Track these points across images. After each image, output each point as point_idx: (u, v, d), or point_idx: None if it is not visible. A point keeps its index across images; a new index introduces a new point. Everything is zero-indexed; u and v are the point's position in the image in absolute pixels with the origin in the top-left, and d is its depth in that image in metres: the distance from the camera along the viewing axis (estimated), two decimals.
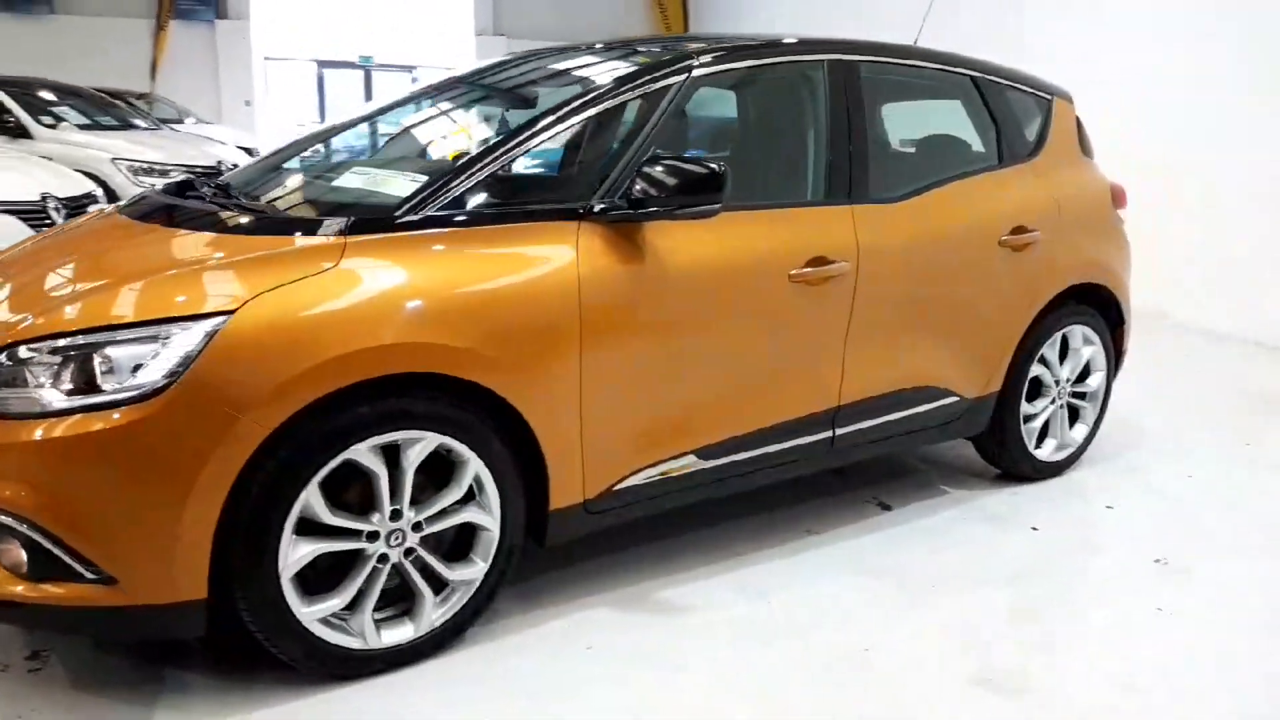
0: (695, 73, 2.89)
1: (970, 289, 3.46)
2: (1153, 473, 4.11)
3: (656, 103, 2.79)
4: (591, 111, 2.74)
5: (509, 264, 2.48)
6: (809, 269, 2.97)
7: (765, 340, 2.95)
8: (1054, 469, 4.00)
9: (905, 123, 3.76)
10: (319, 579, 2.38)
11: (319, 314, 2.22)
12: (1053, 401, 3.92)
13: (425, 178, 2.57)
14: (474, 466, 2.47)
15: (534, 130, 2.65)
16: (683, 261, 2.74)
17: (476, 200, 2.54)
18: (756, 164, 3.29)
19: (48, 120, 8.70)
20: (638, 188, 2.57)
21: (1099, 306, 3.97)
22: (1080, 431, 4.06)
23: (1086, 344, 3.94)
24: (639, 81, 2.81)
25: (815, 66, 3.19)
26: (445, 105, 3.35)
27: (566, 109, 2.71)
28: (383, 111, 3.38)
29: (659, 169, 2.55)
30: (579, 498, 2.66)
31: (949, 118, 3.69)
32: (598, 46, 3.31)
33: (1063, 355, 3.91)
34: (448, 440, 2.41)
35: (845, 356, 3.14)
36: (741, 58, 3.05)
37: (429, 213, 2.44)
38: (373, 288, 2.30)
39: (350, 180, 2.78)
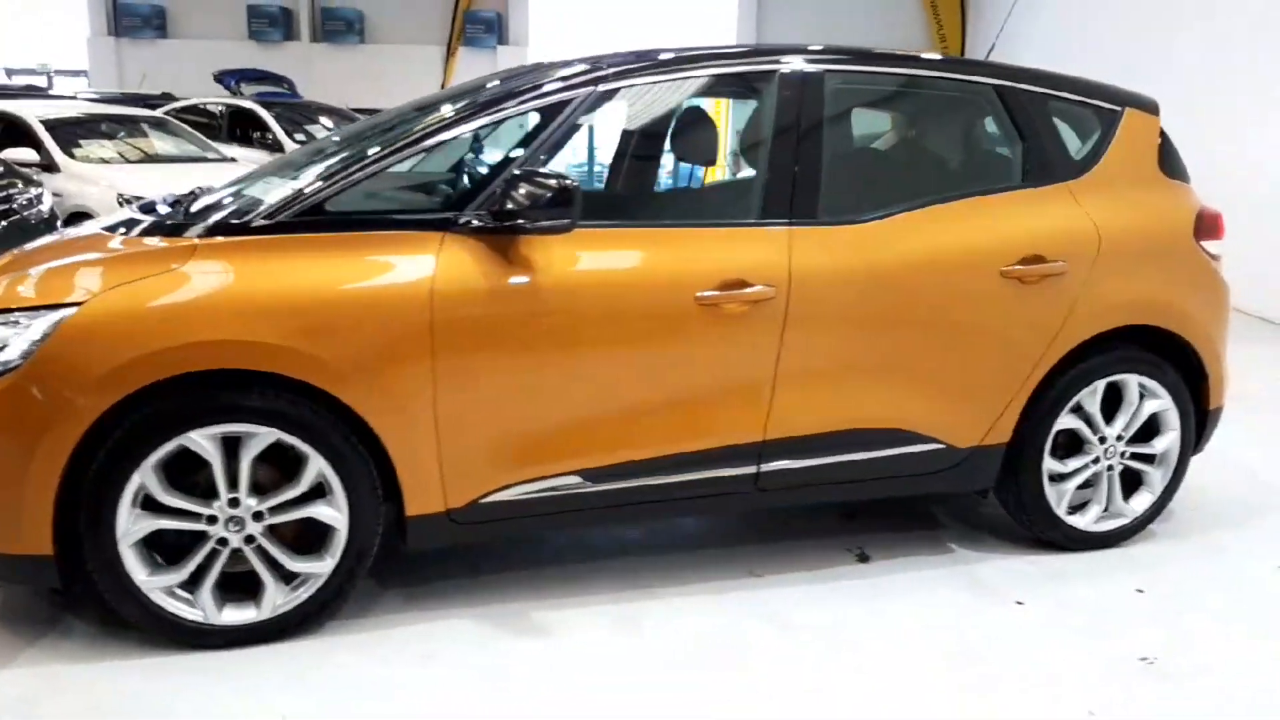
0: (600, 87, 2.82)
1: (956, 324, 3.10)
2: (1231, 558, 3.45)
3: (551, 117, 2.76)
4: (474, 125, 2.76)
5: (356, 270, 2.56)
6: (720, 292, 2.79)
7: (665, 364, 2.81)
8: (1099, 540, 3.47)
9: (916, 137, 3.43)
10: (173, 553, 2.57)
11: (152, 309, 2.41)
12: (1095, 461, 3.39)
13: (295, 186, 2.70)
14: (317, 464, 2.55)
15: (399, 142, 2.70)
16: (565, 277, 2.69)
17: (341, 207, 2.63)
18: (671, 180, 3.14)
19: (300, 136, 9.83)
20: (499, 201, 2.56)
21: (1171, 356, 3.40)
22: (1142, 501, 3.50)
23: (1149, 398, 3.38)
24: (532, 96, 2.79)
25: (762, 78, 3.00)
26: (397, 120, 3.42)
27: (443, 122, 2.74)
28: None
29: (515, 183, 2.53)
30: (440, 507, 2.68)
31: (959, 131, 3.32)
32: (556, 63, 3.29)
33: (1116, 408, 3.37)
34: (286, 437, 2.51)
35: (775, 388, 2.92)
36: (661, 71, 2.94)
37: (284, 219, 2.56)
38: (205, 288, 2.46)
39: (258, 189, 2.96)
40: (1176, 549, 3.49)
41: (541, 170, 2.54)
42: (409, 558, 3.11)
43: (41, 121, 7.52)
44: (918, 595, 3.11)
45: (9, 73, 18.56)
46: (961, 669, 2.71)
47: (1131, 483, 3.50)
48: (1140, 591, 3.19)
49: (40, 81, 18.36)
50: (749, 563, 3.27)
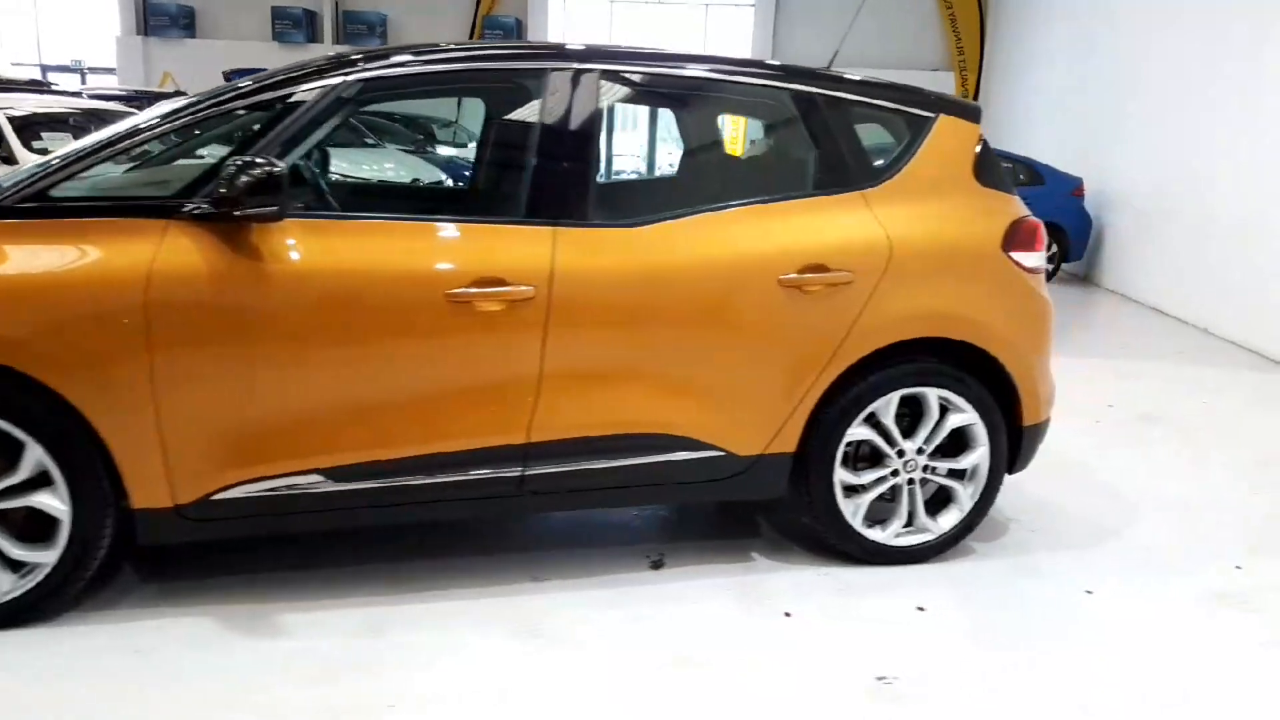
0: (351, 76, 2.82)
1: (732, 331, 3.05)
2: (1040, 579, 3.36)
3: (294, 109, 2.77)
4: (214, 113, 2.78)
5: (73, 257, 2.58)
6: (474, 290, 2.78)
7: (414, 361, 2.79)
8: (901, 555, 3.39)
9: (701, 140, 3.39)
10: None
11: None
12: (894, 474, 3.32)
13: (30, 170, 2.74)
14: (35, 453, 2.59)
15: (133, 130, 2.73)
16: (300, 269, 2.69)
17: (67, 194, 2.66)
18: (433, 175, 3.14)
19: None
20: (215, 188, 2.58)
21: (978, 370, 3.31)
22: (950, 517, 3.41)
23: (953, 412, 3.30)
24: (278, 86, 2.80)
25: (533, 75, 2.98)
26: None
27: (185, 112, 2.77)
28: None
29: (229, 170, 2.54)
30: (168, 502, 2.70)
31: (748, 135, 3.28)
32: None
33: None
34: (1, 424, 2.55)
35: (540, 390, 2.90)
36: (422, 65, 2.93)
37: (8, 204, 2.60)
38: None
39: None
40: (984, 567, 3.40)
41: (253, 157, 2.54)
42: (198, 551, 3.15)
43: (8, 117, 7.75)
44: (688, 604, 3.07)
45: (44, 69, 19.14)
46: (679, 677, 2.66)
47: (946, 498, 3.41)
48: (921, 609, 3.11)
49: (74, 78, 18.88)
50: (534, 568, 3.24)
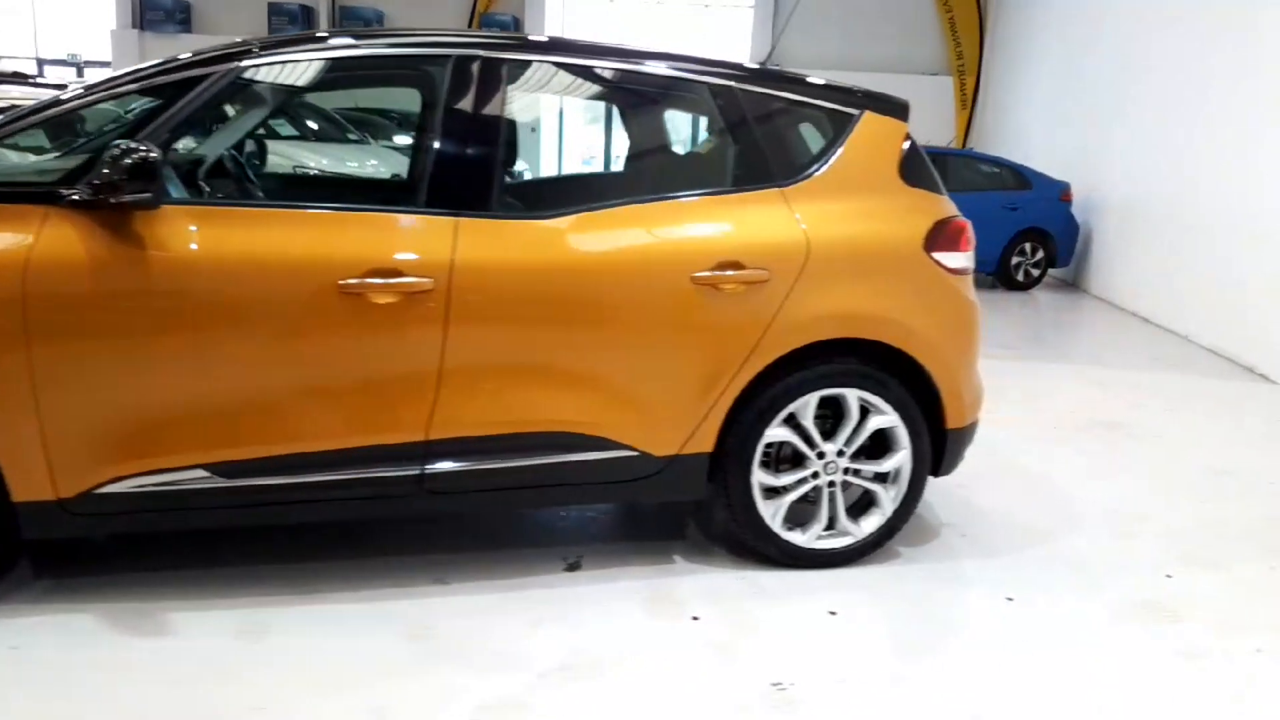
0: (240, 63, 2.77)
1: (643, 329, 2.99)
2: (963, 585, 3.29)
3: (180, 95, 2.72)
4: (106, 98, 2.73)
5: None
6: (368, 280, 2.73)
7: (303, 354, 2.74)
8: (822, 559, 3.33)
9: (616, 133, 3.32)
10: None
11: None
12: (814, 476, 3.26)
13: None
14: None
15: (21, 114, 2.69)
16: (184, 259, 2.64)
17: None
18: (331, 163, 3.08)
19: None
20: (97, 176, 2.53)
21: (900, 373, 3.25)
22: (873, 521, 3.35)
23: (875, 414, 3.24)
24: (166, 72, 2.76)
25: (437, 62, 2.93)
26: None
27: (77, 97, 2.72)
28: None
29: (109, 157, 2.49)
30: (50, 495, 2.65)
31: (665, 129, 3.22)
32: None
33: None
34: None
35: (440, 386, 2.84)
36: (316, 52, 2.88)
37: None
38: None
39: None
40: (907, 572, 3.33)
41: (130, 143, 2.49)
42: (101, 546, 3.12)
43: None
44: (593, 607, 3.01)
45: (40, 63, 19.17)
46: (562, 685, 2.60)
47: (871, 502, 3.35)
48: (833, 614, 3.04)
49: (70, 72, 18.91)
50: (441, 570, 3.19)
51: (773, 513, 3.24)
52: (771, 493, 3.26)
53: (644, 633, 2.87)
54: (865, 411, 3.24)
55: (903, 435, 3.26)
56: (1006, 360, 6.71)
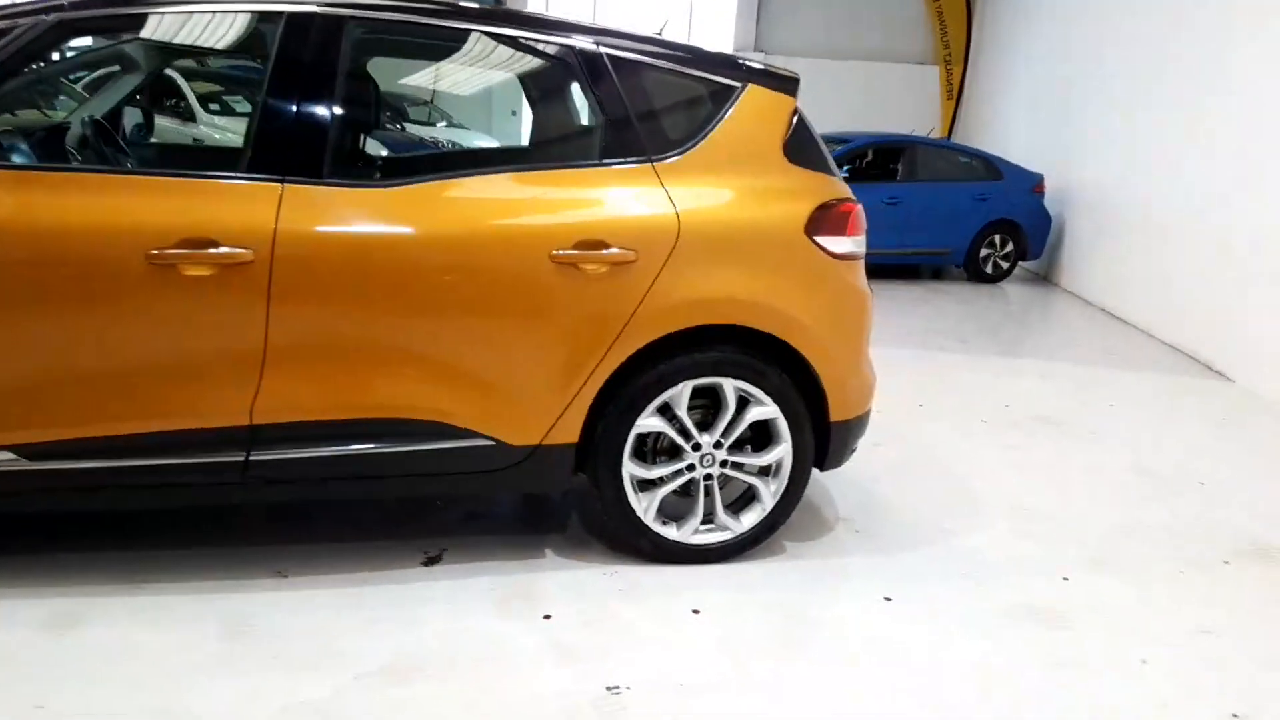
0: (49, 18, 2.60)
1: (495, 310, 2.82)
2: (841, 583, 3.13)
3: None
4: None
5: None
6: (179, 250, 2.55)
7: (111, 329, 2.56)
8: (697, 554, 3.18)
9: (470, 100, 3.15)
10: None
11: None
12: (690, 469, 3.10)
13: None
14: None
15: None
16: None
17: None
18: (142, 126, 2.91)
19: (215, 107, 9.78)
20: None
21: (782, 362, 3.09)
22: (752, 516, 3.19)
23: (754, 405, 3.08)
24: None
25: (266, 19, 2.75)
26: None
27: None
28: None
29: None
30: None
31: (526, 97, 3.04)
32: None
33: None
34: None
35: (265, 366, 2.68)
36: (137, 6, 2.70)
37: None
38: None
39: None
40: (786, 569, 3.18)
41: None
42: None
43: None
44: (440, 605, 2.86)
45: None
46: (380, 689, 2.46)
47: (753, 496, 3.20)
48: (696, 613, 2.88)
49: None
50: (284, 561, 3.03)
51: (646, 506, 3.09)
52: (645, 485, 3.10)
53: (486, 633, 2.71)
54: (745, 402, 3.08)
55: (783, 427, 3.10)
56: (955, 354, 6.54)
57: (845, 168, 9.61)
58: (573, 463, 3.00)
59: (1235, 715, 2.51)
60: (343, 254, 2.66)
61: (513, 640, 2.68)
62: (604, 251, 2.84)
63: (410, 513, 3.44)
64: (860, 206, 3.20)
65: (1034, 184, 10.00)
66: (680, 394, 3.00)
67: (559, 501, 3.59)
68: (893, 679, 2.59)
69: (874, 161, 10.13)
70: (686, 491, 3.17)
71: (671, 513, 3.17)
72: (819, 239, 3.05)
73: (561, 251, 2.81)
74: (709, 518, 3.18)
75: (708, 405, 3.13)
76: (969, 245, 9.73)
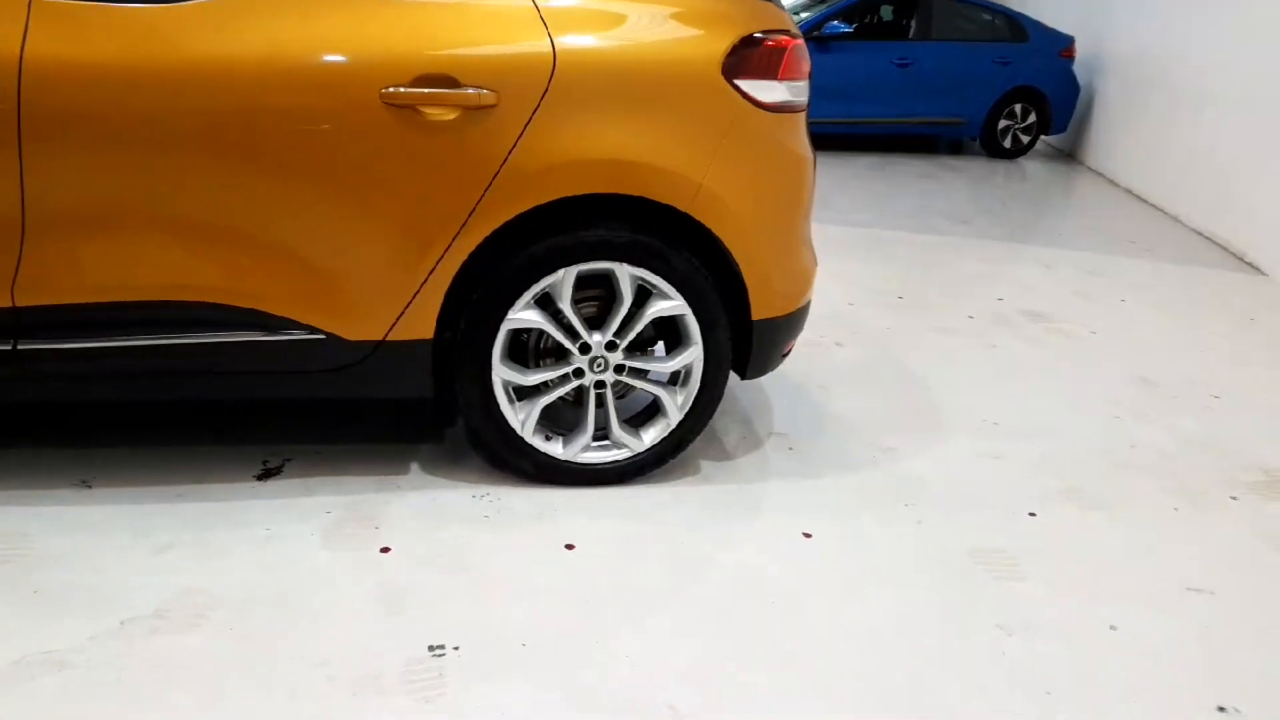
0: None
1: (312, 167, 2.22)
2: (754, 517, 2.60)
3: None
4: None
5: None
6: None
7: None
8: (590, 476, 2.65)
9: None
10: None
11: None
12: (577, 374, 2.53)
13: None
14: None
15: None
16: None
17: None
18: None
19: None
20: None
21: (693, 245, 2.48)
22: (654, 431, 2.63)
23: (656, 298, 2.48)
24: None
25: None
26: None
27: None
28: None
29: None
30: None
31: None
32: None
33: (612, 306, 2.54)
34: None
35: (25, 235, 2.12)
36: None
37: None
38: None
39: None
40: (692, 495, 2.65)
41: None
42: None
43: None
44: (255, 530, 2.38)
45: None
46: (150, 635, 1.98)
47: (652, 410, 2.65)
48: (570, 548, 2.37)
49: None
50: (95, 470, 2.53)
51: (524, 418, 2.53)
52: (524, 393, 2.54)
53: (302, 569, 2.21)
54: (645, 294, 2.49)
55: (692, 326, 2.53)
56: (951, 236, 5.87)
57: (851, 23, 8.69)
58: (430, 364, 2.43)
59: (1221, 708, 1.99)
60: (112, 90, 2.07)
61: (332, 580, 2.17)
62: (452, 91, 2.21)
63: (267, 414, 2.91)
64: (801, 42, 2.52)
65: (1063, 47, 9.05)
66: (562, 283, 2.41)
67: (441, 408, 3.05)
68: (783, 639, 2.08)
69: (883, 16, 9.20)
70: (575, 400, 2.62)
71: (569, 426, 2.62)
72: (741, 83, 2.40)
73: (395, 89, 2.19)
74: (603, 433, 2.62)
75: (605, 298, 2.54)
76: (986, 115, 8.88)
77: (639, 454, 2.65)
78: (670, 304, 2.49)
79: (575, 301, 2.50)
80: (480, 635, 2.03)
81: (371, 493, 2.55)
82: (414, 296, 2.35)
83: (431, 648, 1.99)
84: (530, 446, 2.58)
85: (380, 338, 2.38)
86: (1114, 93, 8.82)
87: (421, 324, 2.39)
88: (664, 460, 2.68)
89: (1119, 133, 8.62)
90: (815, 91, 8.58)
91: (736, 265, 2.49)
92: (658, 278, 2.46)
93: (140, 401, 2.87)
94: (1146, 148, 7.88)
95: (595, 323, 2.54)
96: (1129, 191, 8.00)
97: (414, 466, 2.70)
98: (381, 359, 2.41)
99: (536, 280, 2.41)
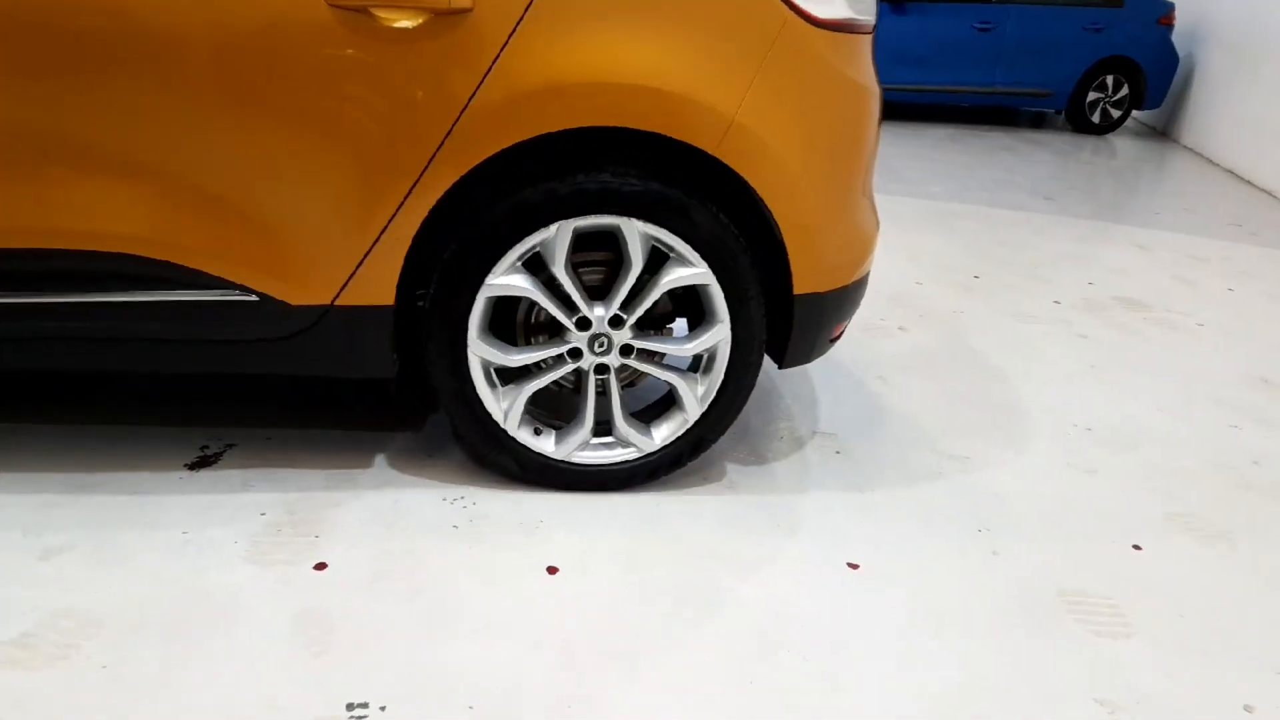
0: None
1: (243, 90, 1.75)
2: (797, 542, 2.09)
3: None
4: None
5: None
6: None
7: None
8: (590, 479, 2.17)
9: None
10: None
11: None
12: (574, 355, 2.05)
13: None
14: None
15: None
16: None
17: None
18: None
19: None
20: None
21: (721, 198, 1.99)
22: (668, 428, 2.14)
23: (674, 263, 1.99)
24: None
25: None
26: None
27: None
28: None
29: None
30: None
31: None
32: None
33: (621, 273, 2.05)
34: None
35: None
36: None
37: None
38: None
39: None
40: (711, 508, 2.17)
41: None
42: None
43: None
44: (166, 535, 1.92)
45: None
46: (15, 668, 1.52)
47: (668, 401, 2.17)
48: (552, 571, 1.90)
49: None
50: (4, 449, 2.10)
51: (507, 407, 2.05)
52: (508, 377, 2.06)
53: (212, 586, 1.77)
54: (661, 258, 1.99)
55: (718, 299, 2.01)
56: (1034, 212, 5.25)
57: None
58: (392, 337, 1.96)
59: None
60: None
61: (247, 604, 1.72)
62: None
63: (223, 390, 2.48)
64: None
65: (1161, 14, 8.27)
66: (555, 241, 1.92)
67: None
68: (819, 705, 1.57)
69: None
70: (572, 388, 2.14)
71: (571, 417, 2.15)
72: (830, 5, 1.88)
73: None
74: (606, 427, 2.14)
75: (613, 263, 2.05)
76: (1074, 86, 8.15)
77: (649, 455, 2.16)
78: (691, 271, 1.99)
79: (574, 266, 2.01)
80: (418, 690, 1.56)
81: (321, 490, 2.10)
82: (369, 251, 1.88)
83: (351, 706, 1.53)
84: (514, 441, 2.11)
85: (328, 302, 1.92)
86: (1217, 65, 8.03)
87: (380, 287, 1.92)
88: (680, 463, 2.19)
89: (1221, 108, 7.84)
90: (887, 56, 7.95)
91: (776, 224, 1.97)
92: (676, 238, 1.96)
93: (58, 371, 2.45)
94: (1254, 125, 7.12)
95: (599, 293, 2.05)
96: (1231, 172, 7.25)
97: (379, 460, 2.24)
98: (330, 328, 1.95)
99: (524, 236, 1.92)
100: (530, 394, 2.08)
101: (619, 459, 2.16)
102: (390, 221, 1.86)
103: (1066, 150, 7.43)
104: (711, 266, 1.99)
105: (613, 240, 2.03)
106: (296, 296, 1.91)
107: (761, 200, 1.95)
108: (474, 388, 2.04)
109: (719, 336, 2.06)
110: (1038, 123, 8.66)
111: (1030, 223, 5.03)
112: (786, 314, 2.09)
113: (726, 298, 2.02)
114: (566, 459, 2.14)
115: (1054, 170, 6.55)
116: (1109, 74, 8.18)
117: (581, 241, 2.02)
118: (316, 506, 2.04)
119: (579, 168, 1.91)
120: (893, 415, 2.67)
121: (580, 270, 2.06)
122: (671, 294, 2.13)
